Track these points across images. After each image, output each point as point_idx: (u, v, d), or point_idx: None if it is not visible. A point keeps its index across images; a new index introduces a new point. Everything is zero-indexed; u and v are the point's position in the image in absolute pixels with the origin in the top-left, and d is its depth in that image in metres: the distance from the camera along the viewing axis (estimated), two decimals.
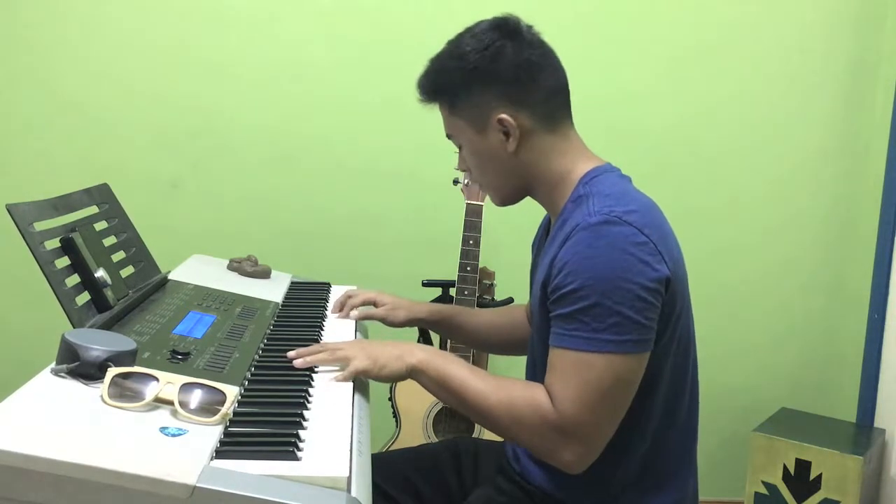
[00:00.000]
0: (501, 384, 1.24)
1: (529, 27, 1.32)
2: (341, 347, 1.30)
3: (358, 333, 1.56)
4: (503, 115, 1.28)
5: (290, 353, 1.28)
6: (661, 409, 1.27)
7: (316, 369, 1.26)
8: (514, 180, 1.34)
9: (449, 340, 2.20)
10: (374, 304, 1.66)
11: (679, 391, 1.30)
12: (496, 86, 1.28)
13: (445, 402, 1.30)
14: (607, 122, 2.47)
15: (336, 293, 1.79)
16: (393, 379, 1.28)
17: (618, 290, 1.14)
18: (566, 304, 1.18)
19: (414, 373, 1.27)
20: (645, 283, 1.16)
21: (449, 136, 1.38)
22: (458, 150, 1.39)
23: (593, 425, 1.18)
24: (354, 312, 1.63)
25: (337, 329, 1.55)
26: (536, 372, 1.36)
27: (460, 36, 1.32)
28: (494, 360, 2.38)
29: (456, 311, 1.73)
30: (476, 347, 2.13)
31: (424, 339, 2.33)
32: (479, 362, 2.27)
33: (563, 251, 1.19)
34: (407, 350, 1.28)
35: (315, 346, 1.31)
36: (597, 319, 1.15)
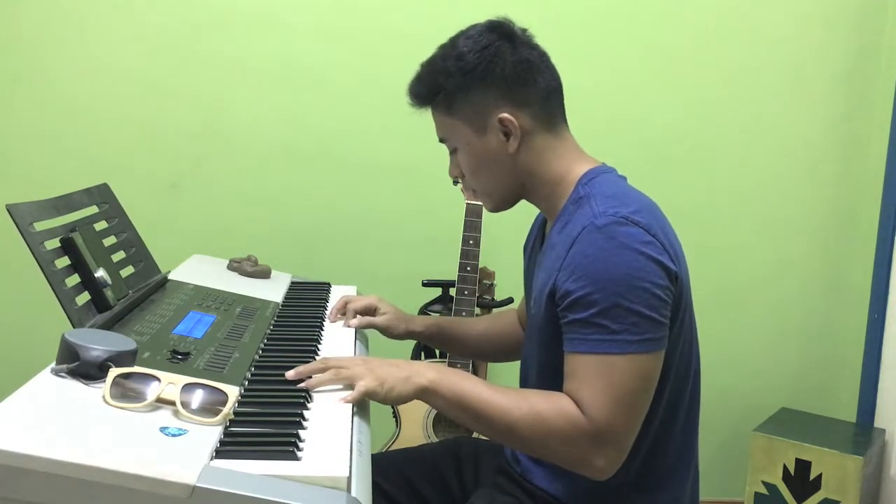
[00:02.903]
0: (523, 397, 1.21)
1: (524, 30, 1.33)
2: (346, 366, 1.21)
3: (358, 332, 1.55)
4: (504, 115, 1.27)
5: (290, 374, 1.19)
6: (664, 408, 1.27)
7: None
8: (512, 183, 1.33)
9: (448, 354, 2.18)
10: (374, 310, 1.63)
11: (682, 389, 1.30)
12: (497, 85, 1.28)
13: (461, 421, 1.24)
14: (607, 121, 2.47)
15: (336, 293, 1.78)
16: (400, 402, 1.22)
17: (633, 290, 1.15)
18: (581, 309, 1.17)
19: (425, 394, 1.21)
20: (658, 282, 1.16)
21: (442, 140, 1.37)
22: (451, 154, 1.37)
23: (625, 427, 1.17)
24: (355, 321, 1.58)
25: (337, 328, 1.55)
26: (531, 375, 1.36)
27: (454, 39, 1.32)
28: (493, 367, 2.37)
29: (450, 322, 1.71)
30: (473, 358, 2.12)
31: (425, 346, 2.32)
32: (477, 371, 2.27)
33: (571, 255, 1.19)
34: (415, 371, 1.21)
35: (316, 365, 1.22)
36: (616, 321, 1.14)
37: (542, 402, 1.19)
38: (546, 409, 1.18)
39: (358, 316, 1.60)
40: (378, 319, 1.61)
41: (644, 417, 1.20)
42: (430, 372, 1.22)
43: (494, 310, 2.29)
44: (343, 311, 1.61)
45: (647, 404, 1.20)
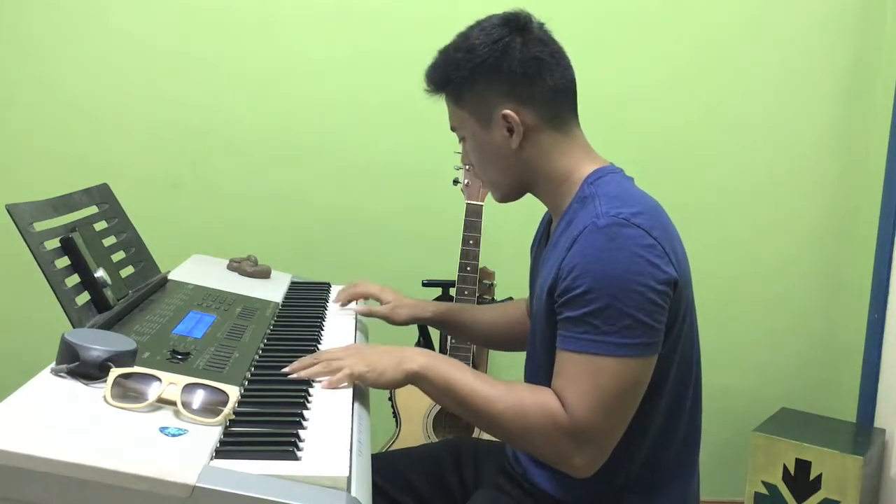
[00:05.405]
0: (509, 389, 1.22)
1: (541, 24, 1.32)
2: (338, 357, 1.25)
3: (358, 332, 1.55)
4: (508, 111, 1.27)
5: (285, 370, 1.23)
6: (664, 412, 1.27)
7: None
8: (516, 177, 1.34)
9: (450, 338, 2.20)
10: (379, 300, 1.66)
11: (682, 393, 1.30)
12: (502, 81, 1.27)
13: (448, 408, 1.27)
14: (608, 121, 2.47)
15: (336, 293, 1.79)
16: (391, 386, 1.25)
17: (628, 292, 1.14)
18: (575, 307, 1.17)
19: (415, 379, 1.24)
20: (654, 286, 1.15)
21: (453, 129, 1.38)
22: (461, 143, 1.38)
23: (605, 429, 1.17)
24: (356, 306, 1.61)
25: (337, 328, 1.55)
26: (536, 373, 1.36)
27: (470, 29, 1.32)
28: (495, 356, 2.38)
29: (460, 308, 1.72)
30: (480, 344, 2.13)
31: (423, 336, 2.33)
32: (479, 359, 2.27)
33: (572, 254, 1.19)
34: (407, 356, 1.24)
35: (309, 358, 1.26)
36: (607, 322, 1.14)
37: (527, 397, 1.20)
38: (529, 404, 1.19)
39: (359, 302, 1.65)
40: (380, 309, 1.65)
41: (629, 420, 1.20)
42: (421, 357, 1.24)
43: None
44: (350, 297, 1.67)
45: (632, 408, 1.19)
